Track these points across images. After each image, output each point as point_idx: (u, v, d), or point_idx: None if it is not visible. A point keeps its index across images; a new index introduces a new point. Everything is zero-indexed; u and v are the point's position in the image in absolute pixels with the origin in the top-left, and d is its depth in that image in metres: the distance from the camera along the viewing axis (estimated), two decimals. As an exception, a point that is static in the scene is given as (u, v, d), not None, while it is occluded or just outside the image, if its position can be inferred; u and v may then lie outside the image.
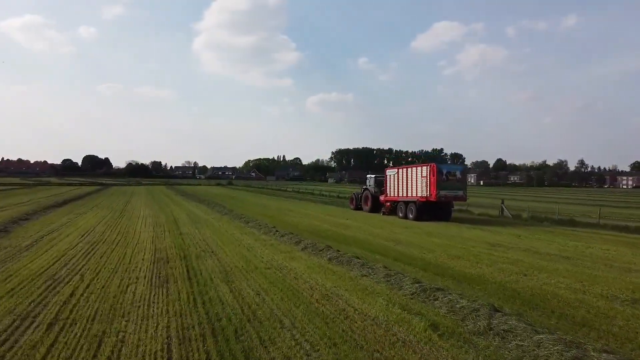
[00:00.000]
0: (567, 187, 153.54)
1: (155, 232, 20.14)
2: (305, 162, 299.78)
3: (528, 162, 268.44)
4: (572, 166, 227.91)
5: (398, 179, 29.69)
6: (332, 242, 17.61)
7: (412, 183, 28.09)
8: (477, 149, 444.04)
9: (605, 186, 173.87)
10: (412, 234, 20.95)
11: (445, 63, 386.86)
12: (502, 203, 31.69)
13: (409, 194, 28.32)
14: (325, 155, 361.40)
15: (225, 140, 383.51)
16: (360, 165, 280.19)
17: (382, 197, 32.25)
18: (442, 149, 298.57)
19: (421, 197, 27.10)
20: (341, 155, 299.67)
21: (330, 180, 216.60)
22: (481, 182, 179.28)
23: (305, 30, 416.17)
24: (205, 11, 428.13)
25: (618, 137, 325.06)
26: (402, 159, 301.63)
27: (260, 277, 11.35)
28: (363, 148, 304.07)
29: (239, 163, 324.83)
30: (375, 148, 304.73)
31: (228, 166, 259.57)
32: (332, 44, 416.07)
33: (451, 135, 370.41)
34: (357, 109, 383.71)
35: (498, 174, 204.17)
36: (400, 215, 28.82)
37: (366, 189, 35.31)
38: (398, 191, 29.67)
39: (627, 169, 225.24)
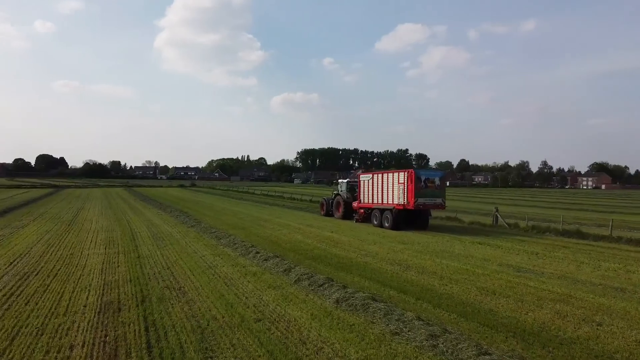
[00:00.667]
0: (530, 188, 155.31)
1: (107, 254, 16.41)
2: (270, 162, 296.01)
3: (490, 163, 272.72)
4: (534, 167, 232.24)
5: (373, 185, 28.08)
6: (329, 268, 14.40)
7: (388, 190, 26.64)
8: (440, 150, 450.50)
9: (567, 187, 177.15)
10: (415, 253, 17.93)
11: (409, 64, 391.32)
12: (497, 211, 29.17)
13: (385, 201, 26.85)
14: (290, 156, 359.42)
15: (188, 140, 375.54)
16: (326, 165, 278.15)
17: (355, 204, 30.46)
18: (407, 150, 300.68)
19: (398, 204, 25.68)
20: (307, 155, 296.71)
21: (296, 181, 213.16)
22: (447, 183, 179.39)
23: (271, 30, 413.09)
24: (167, 8, 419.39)
25: (575, 139, 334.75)
26: (367, 159, 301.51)
27: (250, 339, 8.02)
28: (329, 148, 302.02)
29: (202, 163, 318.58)
30: (341, 148, 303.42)
31: (191, 166, 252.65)
32: (298, 43, 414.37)
33: (416, 135, 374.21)
34: (322, 109, 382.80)
35: (463, 174, 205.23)
36: (375, 223, 27.20)
37: (338, 194, 33.27)
38: (373, 198, 28.09)
39: (585, 170, 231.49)
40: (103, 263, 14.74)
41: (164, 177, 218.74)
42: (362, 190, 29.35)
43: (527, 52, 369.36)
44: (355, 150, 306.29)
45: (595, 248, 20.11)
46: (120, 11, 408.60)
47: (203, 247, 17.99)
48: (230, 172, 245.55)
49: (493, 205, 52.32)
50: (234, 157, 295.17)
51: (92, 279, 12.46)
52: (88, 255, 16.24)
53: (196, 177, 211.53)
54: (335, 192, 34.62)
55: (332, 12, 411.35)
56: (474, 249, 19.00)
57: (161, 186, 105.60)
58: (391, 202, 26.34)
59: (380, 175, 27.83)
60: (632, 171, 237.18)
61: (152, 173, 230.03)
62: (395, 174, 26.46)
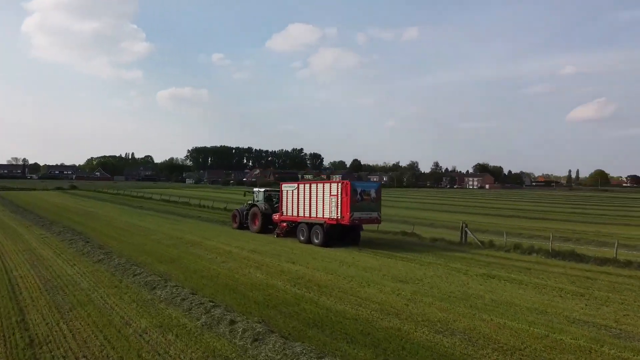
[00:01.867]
0: (424, 188, 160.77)
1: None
2: (158, 160, 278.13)
3: (380, 163, 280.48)
4: (422, 167, 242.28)
5: (299, 196, 25.61)
6: (358, 348, 9.19)
7: (318, 202, 24.41)
8: (334, 150, 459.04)
9: (455, 186, 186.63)
10: (428, 298, 13.32)
11: (300, 64, 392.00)
12: (466, 227, 25.70)
13: (314, 215, 24.59)
14: (180, 154, 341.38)
15: (63, 135, 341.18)
16: (219, 164, 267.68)
17: (275, 216, 27.58)
18: (302, 149, 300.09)
19: (330, 219, 23.54)
20: (198, 153, 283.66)
21: (188, 181, 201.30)
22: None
23: (157, 21, 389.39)
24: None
25: (451, 140, 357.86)
26: (262, 158, 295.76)
27: None
28: (221, 146, 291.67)
29: (79, 160, 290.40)
30: (234, 147, 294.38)
31: (66, 164, 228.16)
32: (186, 37, 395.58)
33: (309, 135, 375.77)
34: (212, 105, 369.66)
35: (359, 175, 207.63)
36: (302, 238, 24.81)
37: (254, 204, 29.54)
38: (298, 210, 25.63)
39: (467, 170, 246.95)
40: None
41: (34, 176, 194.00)
42: (285, 201, 26.58)
43: (410, 58, 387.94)
44: (249, 149, 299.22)
45: (618, 279, 17.00)
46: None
47: (135, 311, 11.67)
48: (114, 171, 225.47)
49: (407, 208, 50.08)
50: (117, 155, 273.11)
51: None
52: None
53: (74, 177, 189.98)
54: (249, 202, 30.50)
55: (222, 6, 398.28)
56: (495, 287, 14.86)
57: (34, 189, 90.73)
58: (322, 216, 24.04)
59: (308, 185, 25.44)
60: (505, 171, 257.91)
61: (21, 172, 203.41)
62: (327, 185, 24.37)
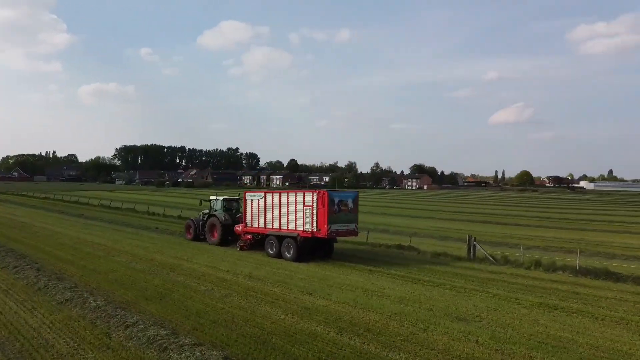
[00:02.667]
0: (365, 188, 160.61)
1: None
2: (82, 159, 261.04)
3: (317, 163, 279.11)
4: (361, 168, 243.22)
5: (266, 206, 23.81)
6: None
7: (290, 213, 22.68)
8: (269, 149, 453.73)
9: (395, 187, 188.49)
10: (519, 347, 10.74)
11: (231, 62, 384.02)
12: (474, 240, 23.47)
13: (285, 227, 22.84)
14: (107, 153, 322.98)
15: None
16: (150, 164, 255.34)
17: (238, 227, 25.61)
18: (237, 149, 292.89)
19: (304, 231, 21.86)
20: (127, 152, 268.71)
21: (118, 182, 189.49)
22: (287, 184, 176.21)
23: (79, 11, 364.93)
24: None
25: (385, 141, 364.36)
26: (195, 157, 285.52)
27: None
28: (152, 145, 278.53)
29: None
30: (166, 146, 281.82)
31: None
32: (111, 29, 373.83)
33: (242, 134, 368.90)
34: (140, 102, 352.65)
35: (300, 175, 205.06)
36: (271, 252, 23.02)
37: (211, 214, 27.23)
38: (266, 221, 23.81)
39: (401, 170, 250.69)
40: None
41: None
42: (249, 211, 24.67)
43: (342, 59, 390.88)
44: (182, 148, 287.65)
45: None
46: None
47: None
48: (34, 171, 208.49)
49: (370, 213, 47.97)
50: (37, 154, 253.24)
51: None
52: None
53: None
54: (204, 211, 28.24)
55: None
56: (576, 326, 12.48)
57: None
58: (294, 228, 22.32)
59: (277, 194, 23.61)
60: (438, 172, 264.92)
61: None
62: (300, 195, 22.57)
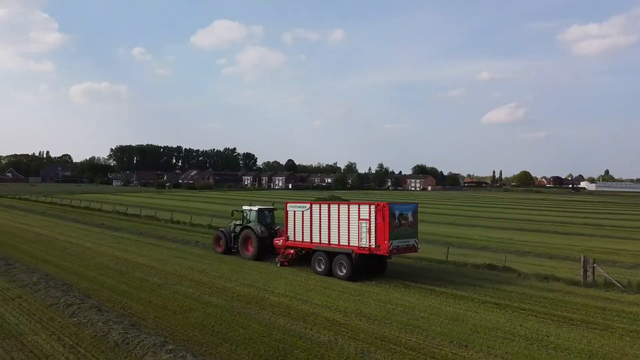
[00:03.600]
0: (370, 190, 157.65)
1: None
2: (77, 159, 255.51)
3: (315, 163, 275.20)
4: (361, 168, 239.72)
5: (312, 218, 21.92)
6: None
7: (342, 227, 20.66)
8: (267, 149, 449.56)
9: (399, 188, 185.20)
10: None
11: (225, 61, 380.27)
12: (594, 263, 20.09)
13: (336, 242, 20.91)
14: (102, 153, 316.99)
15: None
16: (146, 164, 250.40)
17: (278, 241, 23.82)
18: (234, 149, 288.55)
19: (361, 248, 19.84)
20: (122, 152, 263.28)
21: (115, 183, 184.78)
22: (290, 186, 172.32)
23: (71, 10, 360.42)
24: None
25: (374, 141, 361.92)
26: (192, 158, 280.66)
27: None
28: (148, 145, 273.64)
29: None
30: (162, 146, 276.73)
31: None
32: (103, 28, 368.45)
33: (240, 134, 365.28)
34: (133, 102, 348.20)
35: (302, 176, 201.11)
36: (319, 270, 21.20)
37: (245, 226, 25.13)
38: (312, 235, 21.94)
39: (401, 171, 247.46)
40: None
41: None
42: (292, 224, 22.86)
43: (336, 59, 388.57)
44: (179, 148, 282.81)
45: None
46: None
47: None
48: (27, 171, 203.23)
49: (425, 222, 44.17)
50: (30, 154, 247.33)
51: None
52: None
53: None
54: (236, 222, 26.26)
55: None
56: None
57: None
58: (347, 244, 20.36)
59: (325, 206, 21.81)
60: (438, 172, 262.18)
61: None
62: (354, 207, 20.63)
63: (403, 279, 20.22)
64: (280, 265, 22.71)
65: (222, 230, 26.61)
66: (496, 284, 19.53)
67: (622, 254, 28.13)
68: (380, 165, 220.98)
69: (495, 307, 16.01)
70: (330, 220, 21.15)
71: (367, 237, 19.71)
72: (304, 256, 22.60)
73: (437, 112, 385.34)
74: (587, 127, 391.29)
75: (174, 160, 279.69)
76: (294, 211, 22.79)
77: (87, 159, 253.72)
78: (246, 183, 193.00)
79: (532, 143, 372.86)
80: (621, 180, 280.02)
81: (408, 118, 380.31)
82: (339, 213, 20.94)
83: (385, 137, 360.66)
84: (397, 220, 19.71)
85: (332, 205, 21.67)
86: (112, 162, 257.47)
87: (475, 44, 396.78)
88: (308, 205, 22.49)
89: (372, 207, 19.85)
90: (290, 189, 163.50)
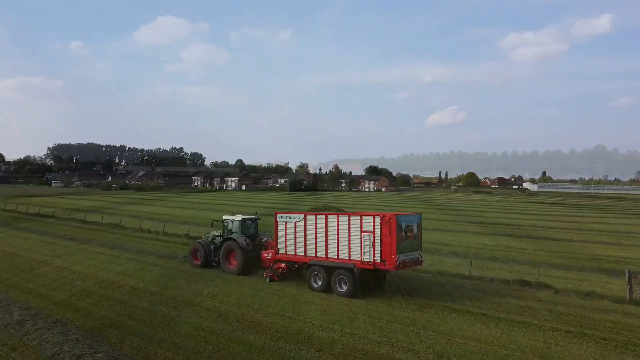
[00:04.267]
0: (326, 191, 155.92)
1: None
2: (9, 159, 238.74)
3: (264, 164, 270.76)
4: (312, 169, 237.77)
5: (306, 230, 20.57)
6: None
7: (342, 239, 19.41)
8: (214, 148, 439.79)
9: (354, 189, 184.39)
10: None
11: (169, 58, 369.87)
12: (634, 278, 18.62)
13: (334, 256, 19.61)
14: (38, 152, 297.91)
15: None
16: (87, 164, 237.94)
17: (267, 254, 22.25)
18: (182, 148, 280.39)
19: (364, 262, 18.61)
20: (61, 151, 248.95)
21: (55, 184, 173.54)
22: (243, 187, 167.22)
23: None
24: None
25: (326, 141, 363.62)
26: (137, 157, 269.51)
27: None
28: (88, 144, 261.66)
29: None
30: (104, 145, 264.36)
31: None
32: (37, 20, 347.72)
33: (185, 133, 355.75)
34: (72, 98, 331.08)
35: (256, 177, 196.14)
36: (316, 286, 19.74)
37: (227, 238, 23.21)
38: (306, 249, 20.54)
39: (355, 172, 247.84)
40: None
41: None
42: (283, 236, 21.44)
43: (282, 59, 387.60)
44: (122, 147, 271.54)
45: None
46: None
47: None
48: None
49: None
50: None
51: None
52: None
53: None
54: (215, 233, 24.71)
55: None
56: None
57: None
58: (348, 258, 19.15)
59: (322, 217, 20.46)
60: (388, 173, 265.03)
61: None
62: (356, 218, 19.19)
63: (444, 300, 18.21)
64: (270, 281, 21.11)
65: (199, 242, 24.67)
66: (549, 305, 17.73)
67: (627, 262, 27.28)
68: (335, 166, 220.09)
69: (551, 332, 14.10)
70: (329, 233, 19.84)
71: (371, 251, 18.48)
72: (296, 270, 21.43)
73: (383, 113, 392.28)
74: (521, 130, 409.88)
75: (117, 160, 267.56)
76: (285, 222, 21.30)
77: (22, 158, 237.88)
78: (197, 184, 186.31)
79: (472, 145, 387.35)
80: (559, 181, 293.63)
81: (354, 118, 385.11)
82: (338, 224, 19.64)
83: (334, 137, 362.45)
84: (403, 233, 18.49)
85: (330, 216, 20.26)
86: (50, 162, 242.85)
87: (420, 48, 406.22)
88: (302, 216, 21.13)
89: (377, 218, 18.56)
90: (244, 190, 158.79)
